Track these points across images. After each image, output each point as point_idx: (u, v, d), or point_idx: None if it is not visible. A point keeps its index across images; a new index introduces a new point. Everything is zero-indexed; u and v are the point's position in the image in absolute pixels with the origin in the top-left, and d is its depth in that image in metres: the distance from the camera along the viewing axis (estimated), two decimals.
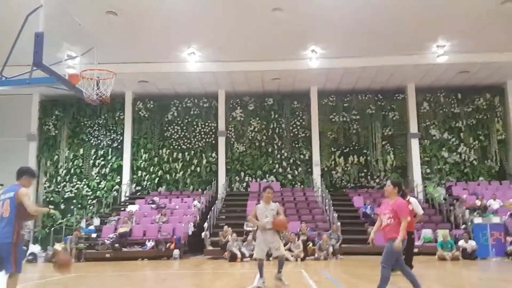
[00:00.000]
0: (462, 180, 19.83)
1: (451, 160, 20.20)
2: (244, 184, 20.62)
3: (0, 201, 5.27)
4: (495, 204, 16.70)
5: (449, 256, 12.78)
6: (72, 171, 20.77)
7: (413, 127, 20.08)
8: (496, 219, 14.53)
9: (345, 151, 20.68)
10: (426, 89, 20.34)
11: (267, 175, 20.63)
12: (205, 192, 19.57)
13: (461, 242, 13.41)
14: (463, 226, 15.47)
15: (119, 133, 21.07)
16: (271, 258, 7.54)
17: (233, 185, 20.68)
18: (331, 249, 13.69)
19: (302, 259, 13.20)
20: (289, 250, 13.54)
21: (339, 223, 15.17)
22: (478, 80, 19.57)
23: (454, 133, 20.45)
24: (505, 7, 13.57)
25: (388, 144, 20.62)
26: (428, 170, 20.08)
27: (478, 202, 16.76)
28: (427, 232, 15.10)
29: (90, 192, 20.51)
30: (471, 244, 13.33)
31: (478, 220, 14.60)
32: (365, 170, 20.48)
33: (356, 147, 20.68)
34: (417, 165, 19.66)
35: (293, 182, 20.54)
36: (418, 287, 5.63)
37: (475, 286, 7.80)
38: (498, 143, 20.16)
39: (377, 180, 20.24)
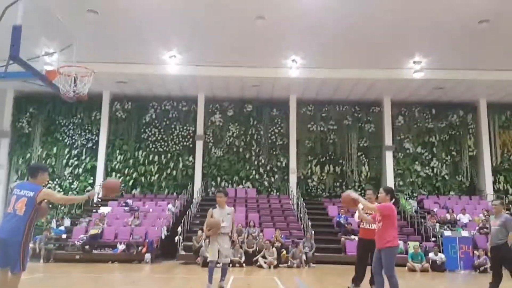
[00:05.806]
0: (433, 193, 20.26)
1: (423, 173, 20.60)
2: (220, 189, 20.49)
3: (14, 195, 5.15)
4: (464, 218, 17.12)
5: (419, 267, 13.01)
6: None
7: (388, 140, 20.41)
8: (465, 233, 14.89)
9: (321, 160, 20.85)
10: (401, 103, 20.73)
11: (244, 181, 20.60)
12: (180, 196, 19.40)
13: (431, 254, 13.65)
14: (433, 238, 15.78)
15: (94, 133, 20.71)
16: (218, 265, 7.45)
17: (209, 190, 20.58)
18: (304, 257, 13.75)
19: (275, 267, 13.20)
20: (263, 257, 13.55)
21: (313, 232, 15.26)
22: (452, 97, 20.06)
23: (427, 148, 20.89)
24: (482, 26, 13.93)
25: (363, 155, 20.89)
26: (401, 183, 20.42)
27: (448, 216, 17.15)
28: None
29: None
30: (441, 256, 13.58)
31: (447, 233, 14.93)
32: (340, 180, 20.69)
33: (332, 157, 20.89)
34: (390, 177, 19.95)
35: (269, 189, 20.58)
36: None
37: None
38: (469, 159, 20.67)
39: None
